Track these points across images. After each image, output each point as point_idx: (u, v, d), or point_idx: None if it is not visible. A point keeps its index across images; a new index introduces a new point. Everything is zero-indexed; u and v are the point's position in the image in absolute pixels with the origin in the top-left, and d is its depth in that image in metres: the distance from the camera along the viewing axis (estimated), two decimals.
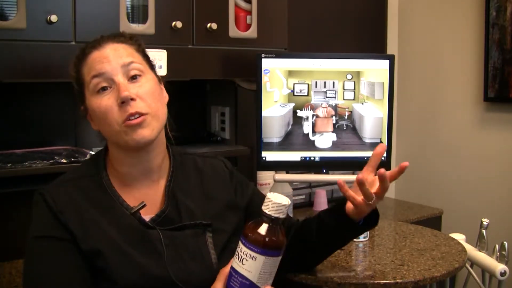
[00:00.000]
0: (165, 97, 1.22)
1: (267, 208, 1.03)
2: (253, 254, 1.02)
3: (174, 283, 1.10)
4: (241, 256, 1.03)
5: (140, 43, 1.20)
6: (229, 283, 1.05)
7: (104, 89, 1.11)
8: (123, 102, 1.09)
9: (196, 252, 1.15)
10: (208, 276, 1.13)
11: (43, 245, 1.09)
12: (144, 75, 1.14)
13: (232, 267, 1.05)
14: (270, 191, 2.10)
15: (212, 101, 2.25)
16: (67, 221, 1.09)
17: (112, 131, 1.12)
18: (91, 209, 1.12)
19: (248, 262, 1.02)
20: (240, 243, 1.04)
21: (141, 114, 1.10)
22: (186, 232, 1.16)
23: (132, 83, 1.12)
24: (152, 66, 1.21)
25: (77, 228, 1.09)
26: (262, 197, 1.38)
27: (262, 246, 1.01)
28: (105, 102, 1.10)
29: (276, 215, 1.03)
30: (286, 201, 1.04)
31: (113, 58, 1.12)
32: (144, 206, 1.13)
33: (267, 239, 1.01)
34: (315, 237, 1.33)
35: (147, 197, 1.17)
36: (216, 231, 1.20)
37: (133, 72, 1.12)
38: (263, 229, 1.02)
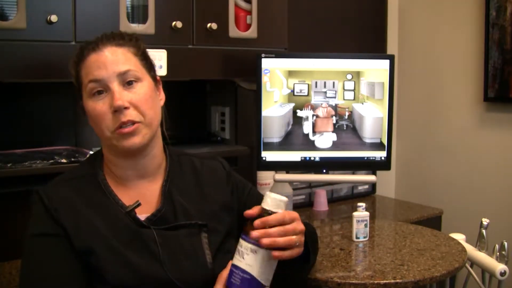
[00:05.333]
0: (161, 99, 1.23)
1: (266, 204, 1.07)
2: (254, 247, 1.05)
3: (167, 282, 1.10)
4: (242, 252, 1.05)
5: (140, 45, 1.20)
6: (229, 280, 1.06)
7: (99, 92, 1.12)
8: (116, 111, 1.10)
9: (190, 251, 1.15)
10: (203, 276, 1.14)
11: (39, 243, 1.10)
12: (140, 81, 1.15)
13: (232, 264, 1.07)
14: (270, 191, 2.11)
15: (212, 101, 2.25)
16: (61, 219, 1.10)
17: (104, 136, 1.14)
18: (86, 208, 1.12)
19: (249, 256, 1.05)
20: (240, 240, 1.06)
21: (133, 123, 1.11)
22: (181, 231, 1.17)
23: (127, 89, 1.13)
24: (151, 68, 1.21)
25: (71, 226, 1.10)
26: (260, 198, 1.38)
27: None
28: (99, 107, 1.12)
29: (275, 210, 1.07)
30: (284, 197, 1.08)
31: (110, 64, 1.12)
32: (139, 205, 1.13)
33: None
34: None
35: (143, 197, 1.17)
36: (211, 231, 1.20)
37: (129, 79, 1.14)
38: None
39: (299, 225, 1.10)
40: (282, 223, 1.07)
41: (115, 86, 1.12)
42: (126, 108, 1.11)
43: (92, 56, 1.14)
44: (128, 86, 1.13)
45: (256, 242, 1.04)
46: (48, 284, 1.07)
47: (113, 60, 1.13)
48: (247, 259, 1.05)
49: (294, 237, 1.08)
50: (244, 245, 1.06)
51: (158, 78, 1.23)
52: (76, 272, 1.08)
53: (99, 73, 1.12)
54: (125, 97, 1.11)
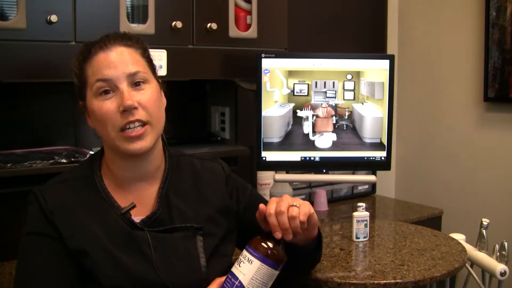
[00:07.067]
0: (164, 102, 1.22)
1: None
2: (251, 257, 1.10)
3: (160, 285, 1.10)
4: (240, 260, 1.11)
5: (146, 47, 1.20)
6: (222, 285, 1.11)
7: (106, 92, 1.11)
8: (125, 111, 1.10)
9: (184, 255, 1.15)
10: (196, 279, 1.14)
11: (32, 242, 1.11)
12: (148, 83, 1.15)
13: (230, 271, 1.11)
14: (270, 191, 2.11)
15: (212, 101, 2.25)
16: (56, 221, 1.10)
17: (108, 136, 1.12)
18: (81, 209, 1.13)
19: (244, 264, 1.10)
20: (244, 249, 1.12)
21: (141, 122, 1.11)
22: (176, 234, 1.16)
23: (136, 90, 1.13)
24: (154, 71, 1.21)
25: (65, 228, 1.10)
26: (261, 200, 1.38)
27: (260, 252, 1.09)
28: (107, 106, 1.11)
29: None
30: None
31: (119, 64, 1.12)
32: (134, 207, 1.13)
33: (267, 246, 1.10)
34: None
35: (140, 199, 1.17)
36: (207, 234, 1.20)
37: (137, 80, 1.13)
38: (267, 238, 1.12)
39: (293, 211, 1.12)
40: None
41: (124, 86, 1.11)
42: (135, 108, 1.10)
43: (101, 55, 1.13)
44: (136, 87, 1.13)
45: (254, 253, 1.09)
46: (37, 283, 1.08)
47: (122, 60, 1.13)
48: (243, 267, 1.10)
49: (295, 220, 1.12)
50: (244, 254, 1.11)
51: (161, 82, 1.23)
52: (65, 273, 1.09)
53: (108, 73, 1.11)
54: (134, 97, 1.11)
